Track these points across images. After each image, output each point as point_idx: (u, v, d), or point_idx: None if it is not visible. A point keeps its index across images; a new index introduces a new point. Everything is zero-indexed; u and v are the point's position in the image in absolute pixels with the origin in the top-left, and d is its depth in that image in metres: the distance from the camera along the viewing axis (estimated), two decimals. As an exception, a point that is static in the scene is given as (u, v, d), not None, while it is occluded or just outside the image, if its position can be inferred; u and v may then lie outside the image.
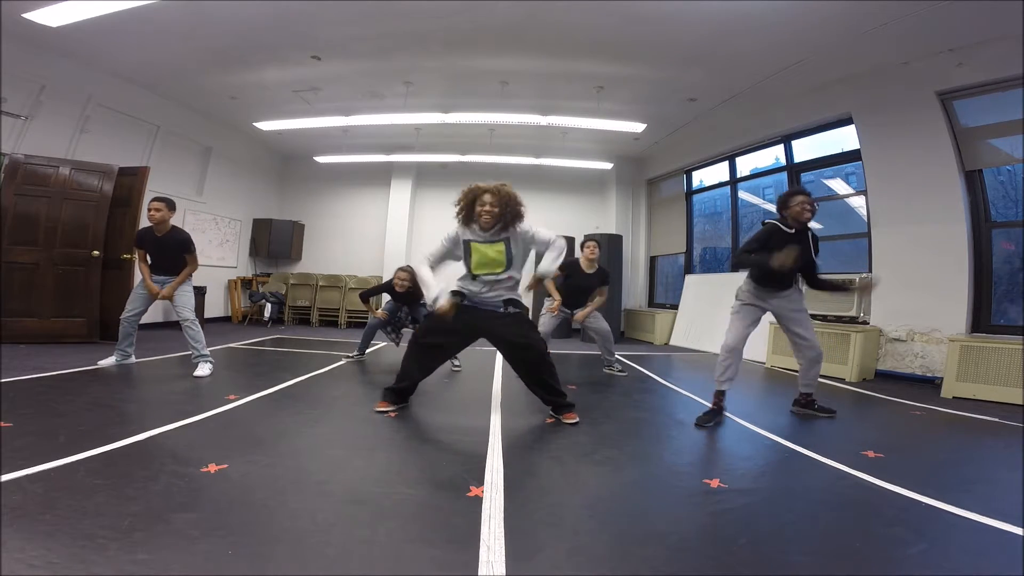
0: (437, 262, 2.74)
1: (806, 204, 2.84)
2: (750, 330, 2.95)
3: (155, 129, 6.31)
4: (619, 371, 4.34)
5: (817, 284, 3.05)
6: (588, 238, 4.27)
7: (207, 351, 3.66)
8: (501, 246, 2.62)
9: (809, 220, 2.88)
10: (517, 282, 2.74)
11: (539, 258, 2.71)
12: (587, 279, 4.13)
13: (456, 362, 4.32)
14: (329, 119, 6.44)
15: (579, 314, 4.13)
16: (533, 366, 2.73)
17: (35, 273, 4.69)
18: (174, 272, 3.68)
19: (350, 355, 4.68)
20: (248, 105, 6.47)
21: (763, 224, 3.04)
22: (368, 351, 4.78)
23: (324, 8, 4.16)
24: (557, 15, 4.16)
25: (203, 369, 3.56)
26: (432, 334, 2.76)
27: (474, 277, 2.68)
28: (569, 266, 4.12)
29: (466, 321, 2.69)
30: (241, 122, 7.15)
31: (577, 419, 2.70)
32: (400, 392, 2.82)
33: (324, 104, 6.18)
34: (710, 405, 2.93)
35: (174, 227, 3.70)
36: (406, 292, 4.28)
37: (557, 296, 4.07)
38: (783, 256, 2.64)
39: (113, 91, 5.60)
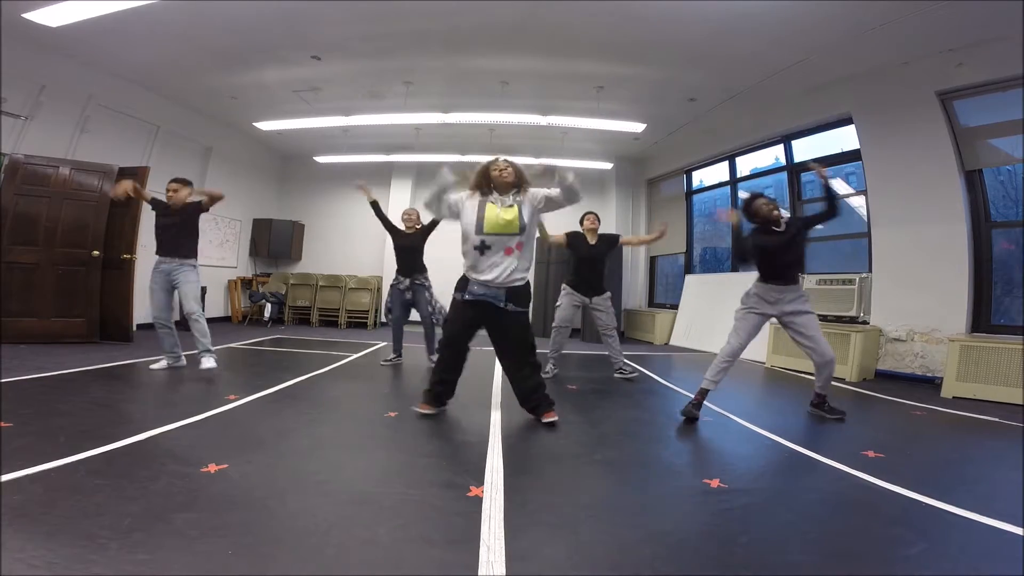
0: (433, 193, 2.65)
1: (767, 203, 2.97)
2: (753, 337, 3.01)
3: (155, 129, 6.31)
4: (630, 373, 4.17)
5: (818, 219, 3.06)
6: (587, 212, 4.20)
7: (211, 345, 3.64)
8: (515, 209, 2.60)
9: (779, 217, 2.98)
10: (528, 263, 2.68)
11: (552, 207, 2.66)
12: (595, 248, 4.08)
13: (433, 359, 4.33)
14: (329, 119, 6.44)
15: (656, 233, 4.19)
16: (520, 360, 2.71)
17: (35, 273, 4.68)
18: (180, 254, 3.62)
19: (387, 358, 4.52)
20: (248, 105, 6.47)
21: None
22: (368, 352, 4.76)
23: (324, 8, 4.16)
24: (557, 15, 4.15)
25: (209, 361, 3.52)
26: (451, 339, 2.74)
27: (482, 242, 2.55)
28: (574, 239, 4.12)
29: (472, 315, 2.66)
30: (241, 122, 7.15)
31: (556, 418, 2.65)
32: (436, 395, 2.79)
33: (324, 104, 6.17)
34: (692, 399, 2.98)
35: (188, 203, 3.68)
36: (412, 243, 4.33)
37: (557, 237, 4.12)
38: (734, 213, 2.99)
39: (113, 91, 5.59)
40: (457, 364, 2.78)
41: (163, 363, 3.68)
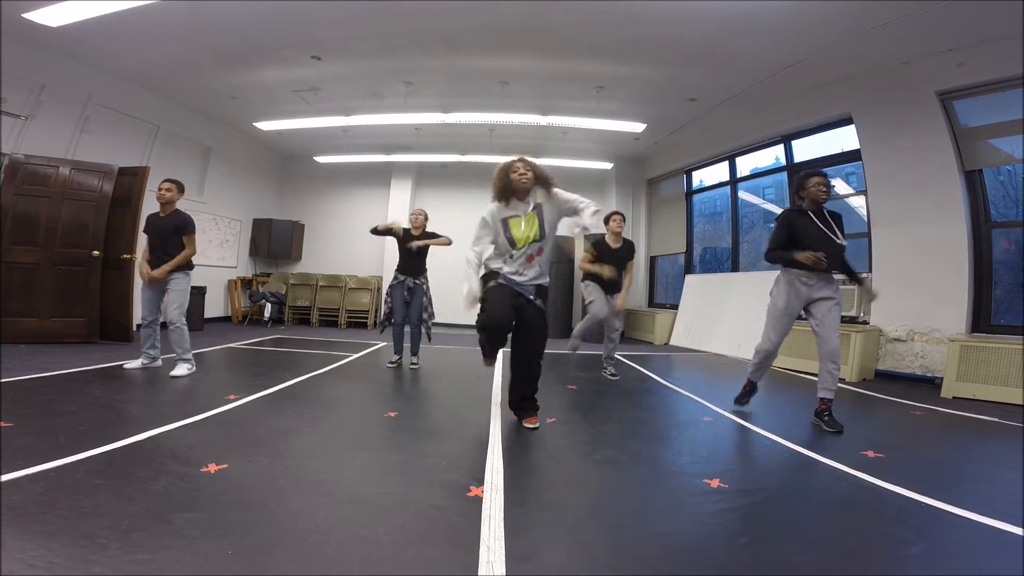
0: (480, 252, 2.65)
1: (822, 185, 2.91)
2: (787, 334, 2.98)
3: (155, 129, 6.31)
4: (611, 375, 4.21)
5: (841, 267, 2.99)
6: (614, 212, 4.16)
7: (190, 354, 3.59)
8: (534, 217, 2.57)
9: (825, 200, 2.93)
10: (549, 264, 2.69)
11: (569, 215, 2.63)
12: (618, 253, 4.07)
13: (415, 360, 4.34)
14: (329, 119, 6.44)
15: (619, 301, 4.04)
16: (535, 359, 2.65)
17: (35, 273, 4.68)
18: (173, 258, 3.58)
19: (391, 360, 4.38)
20: (248, 105, 6.47)
21: (777, 219, 3.07)
22: (368, 352, 4.77)
23: (324, 8, 4.16)
24: (557, 15, 4.15)
25: (180, 369, 3.48)
26: (497, 315, 2.56)
27: (512, 256, 2.59)
28: (596, 245, 4.07)
29: (510, 295, 2.57)
30: (241, 122, 7.15)
31: (536, 425, 2.62)
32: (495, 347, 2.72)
33: (324, 104, 6.17)
34: (740, 389, 3.14)
35: (176, 210, 3.65)
36: (419, 240, 4.17)
37: (603, 269, 3.90)
38: (811, 257, 2.73)
39: (113, 91, 5.59)
40: (503, 337, 2.68)
41: (138, 363, 3.64)
